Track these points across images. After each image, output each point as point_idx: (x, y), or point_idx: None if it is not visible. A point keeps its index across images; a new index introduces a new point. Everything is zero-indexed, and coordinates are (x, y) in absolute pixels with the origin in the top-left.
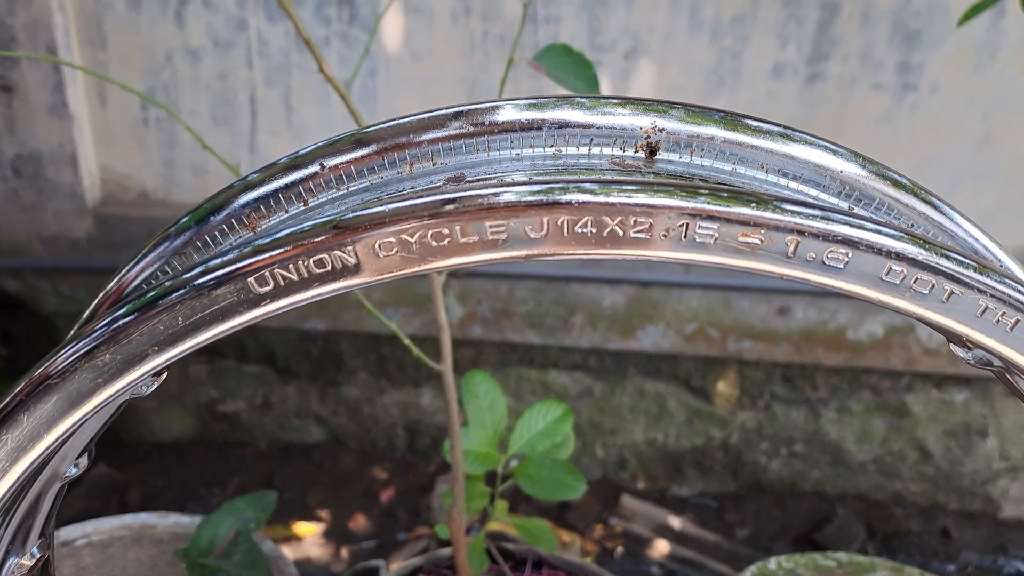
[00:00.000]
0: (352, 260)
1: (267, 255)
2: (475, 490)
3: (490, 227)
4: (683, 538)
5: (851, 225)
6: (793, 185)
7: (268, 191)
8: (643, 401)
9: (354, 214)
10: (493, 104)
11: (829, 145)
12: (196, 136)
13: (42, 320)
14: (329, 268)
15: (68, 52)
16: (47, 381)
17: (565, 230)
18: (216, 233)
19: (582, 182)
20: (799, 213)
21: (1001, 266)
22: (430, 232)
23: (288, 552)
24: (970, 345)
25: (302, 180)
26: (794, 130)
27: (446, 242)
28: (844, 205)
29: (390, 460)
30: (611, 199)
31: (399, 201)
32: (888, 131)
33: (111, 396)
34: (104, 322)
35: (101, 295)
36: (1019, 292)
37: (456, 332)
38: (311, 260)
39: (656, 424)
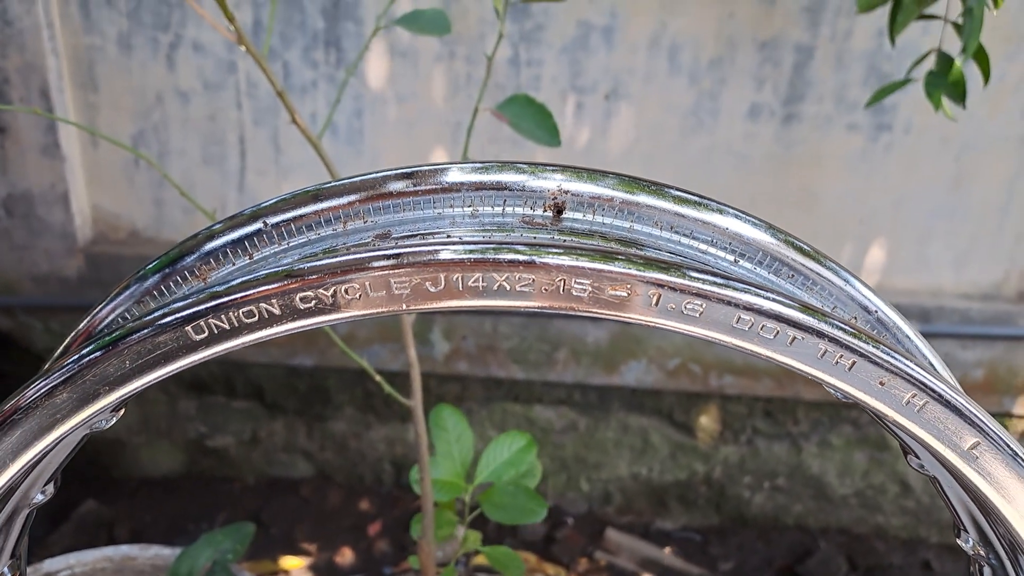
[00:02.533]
0: (276, 311)
1: (198, 308)
2: (443, 518)
3: (425, 280)
4: (667, 572)
5: (703, 281)
6: (685, 240)
7: (227, 241)
8: (627, 436)
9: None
10: (405, 171)
11: (741, 215)
12: (174, 184)
13: (32, 357)
14: (256, 318)
15: (60, 95)
16: (13, 416)
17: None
18: (181, 277)
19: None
20: (660, 269)
21: (877, 313)
22: (369, 282)
23: None
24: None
25: (255, 234)
26: (707, 198)
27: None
28: (731, 259)
29: (377, 495)
30: (485, 256)
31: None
32: (864, 170)
33: (68, 430)
34: (63, 365)
35: (73, 333)
36: (853, 336)
37: (442, 368)
38: (240, 311)
39: (640, 458)
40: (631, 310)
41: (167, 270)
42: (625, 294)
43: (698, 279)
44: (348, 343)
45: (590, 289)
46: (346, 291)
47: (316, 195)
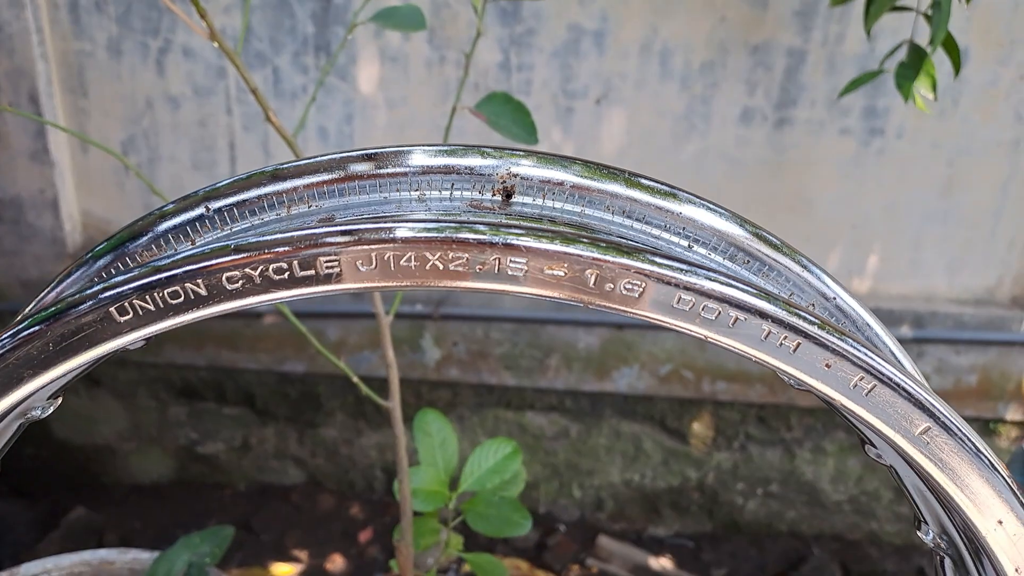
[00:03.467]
0: (202, 291)
1: (121, 289)
2: (426, 527)
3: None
4: None
5: (639, 260)
6: (637, 226)
7: (176, 223)
8: (619, 442)
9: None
10: (366, 152)
11: (709, 204)
12: (155, 191)
13: None
14: (183, 299)
15: (50, 100)
16: None
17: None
18: (130, 259)
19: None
20: (599, 249)
21: (836, 300)
22: (295, 262)
23: None
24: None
25: (198, 219)
26: (660, 183)
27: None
28: (685, 244)
29: (368, 501)
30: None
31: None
32: (856, 175)
33: (19, 401)
34: (4, 336)
35: (20, 316)
36: (796, 316)
37: (433, 374)
38: (165, 291)
39: (632, 465)
40: (567, 290)
41: (119, 250)
42: (562, 273)
43: (635, 258)
44: (338, 349)
45: (526, 268)
46: (277, 269)
47: (274, 175)
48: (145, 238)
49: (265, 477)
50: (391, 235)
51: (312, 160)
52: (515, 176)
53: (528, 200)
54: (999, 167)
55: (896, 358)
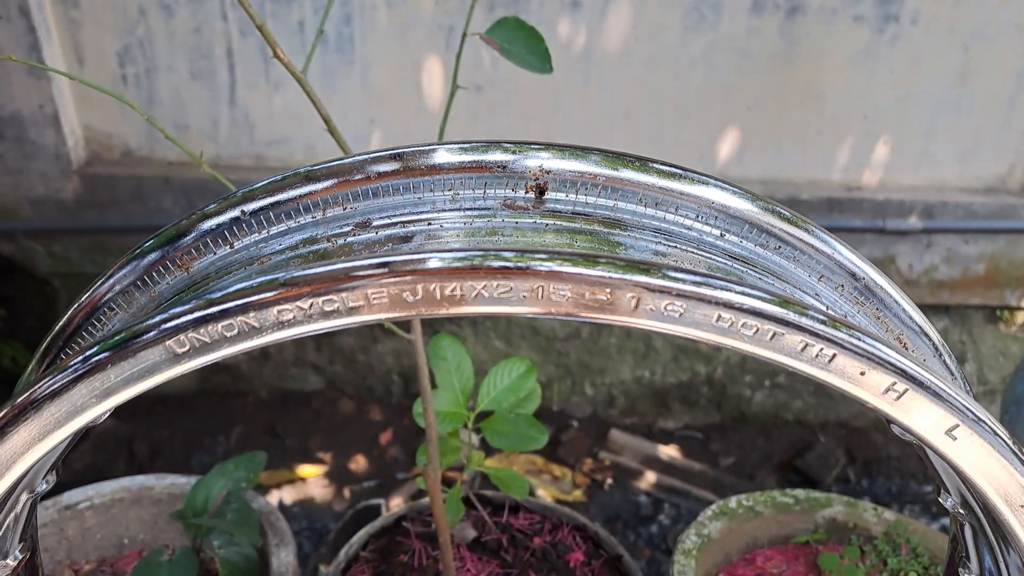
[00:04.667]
0: (255, 324)
1: (179, 321)
2: (447, 446)
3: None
4: (670, 468)
5: (682, 282)
6: (670, 217)
7: (218, 223)
8: (630, 341)
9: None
10: (393, 152)
11: (721, 184)
12: (161, 130)
13: (37, 281)
14: (236, 332)
15: (40, 12)
16: (25, 412)
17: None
18: (176, 257)
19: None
20: (640, 272)
21: (864, 279)
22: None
23: (292, 493)
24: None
25: (234, 222)
26: (687, 170)
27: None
28: (716, 233)
29: (387, 405)
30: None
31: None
32: (868, 66)
33: (83, 427)
34: (70, 362)
35: (76, 305)
36: (831, 327)
37: None
38: (220, 324)
39: (643, 362)
40: (613, 312)
41: (167, 248)
42: (606, 298)
43: (676, 280)
44: None
45: (570, 295)
46: (327, 302)
47: (307, 176)
48: (189, 237)
49: (286, 384)
50: (424, 267)
51: (342, 162)
52: (547, 173)
53: (561, 196)
54: (1015, 52)
55: (925, 334)
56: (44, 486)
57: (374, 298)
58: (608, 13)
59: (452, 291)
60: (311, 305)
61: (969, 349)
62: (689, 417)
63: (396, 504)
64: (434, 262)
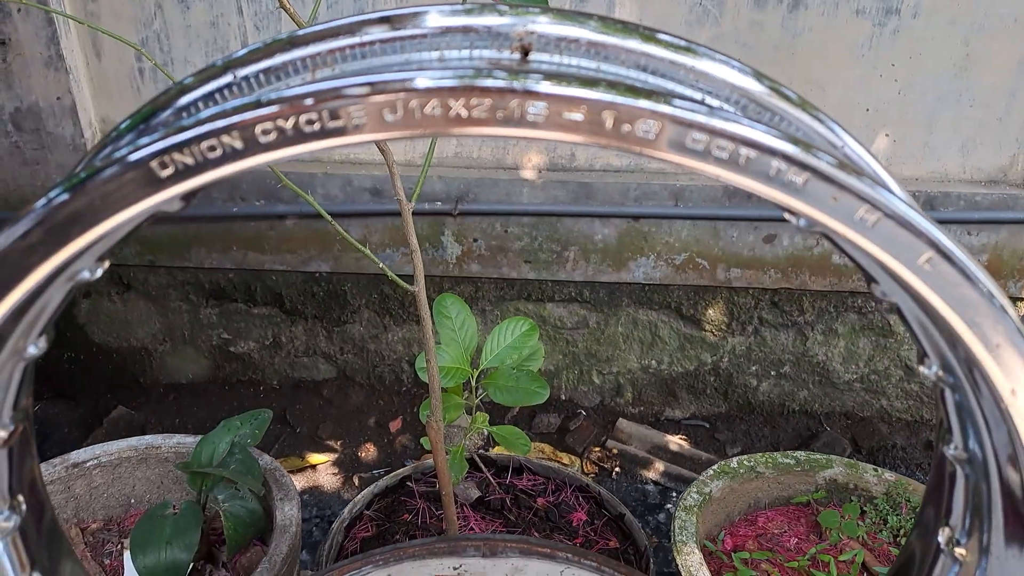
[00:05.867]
0: (238, 144)
1: (162, 144)
2: (450, 402)
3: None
4: (677, 457)
5: (654, 101)
6: (652, 80)
7: (200, 95)
8: (637, 330)
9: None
10: (382, 15)
11: (730, 61)
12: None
13: None
14: (220, 152)
15: (59, 4)
16: None
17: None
18: (155, 133)
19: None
20: (616, 92)
21: (843, 148)
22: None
23: (302, 481)
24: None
25: (226, 87)
26: (674, 36)
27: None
28: (697, 96)
29: (396, 393)
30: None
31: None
32: (871, 58)
33: (48, 274)
34: (33, 208)
35: (58, 183)
36: (804, 151)
37: (454, 270)
38: (203, 144)
39: (650, 351)
40: (585, 134)
41: (141, 127)
42: (580, 117)
43: (651, 100)
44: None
45: (546, 113)
46: (308, 120)
47: (290, 42)
48: (167, 112)
49: (297, 373)
50: (412, 85)
51: (329, 25)
52: (532, 34)
53: (545, 57)
54: (1015, 44)
55: (898, 196)
56: (34, 350)
57: (356, 114)
58: (615, 9)
59: (431, 109)
60: (293, 123)
61: None
62: (696, 406)
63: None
64: (422, 81)
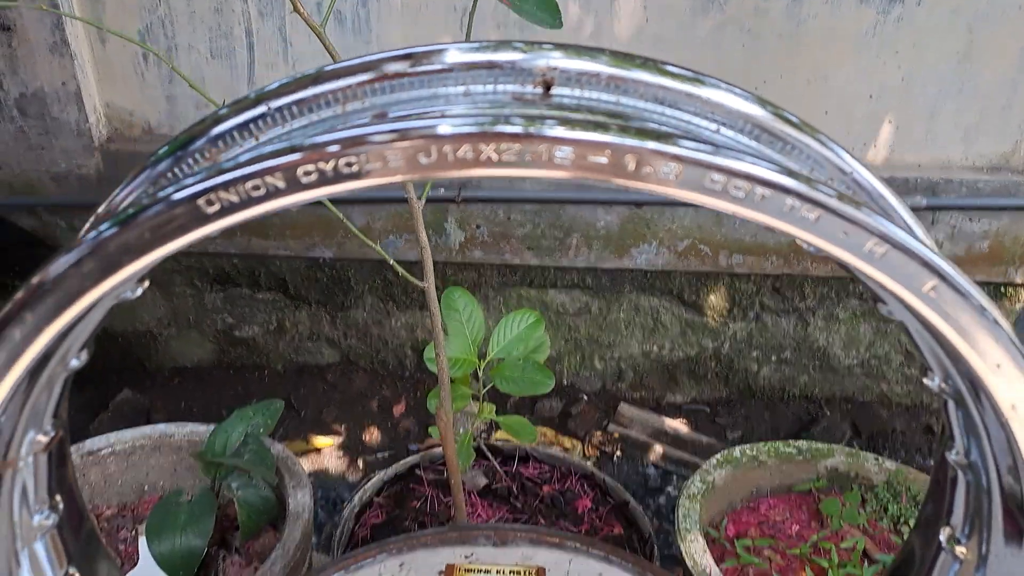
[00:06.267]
0: (281, 184)
1: (208, 183)
2: (458, 392)
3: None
4: (678, 441)
5: (674, 145)
6: (669, 112)
7: (234, 124)
8: (638, 316)
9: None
10: (404, 52)
11: (734, 89)
12: (181, 75)
13: None
14: (263, 191)
15: (67, 3)
16: (43, 286)
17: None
18: (192, 160)
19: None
20: (636, 136)
21: (852, 174)
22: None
23: (307, 464)
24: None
25: (260, 117)
26: (701, 74)
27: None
28: (713, 127)
29: (400, 378)
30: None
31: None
32: (874, 46)
33: (97, 299)
34: (86, 238)
35: (94, 217)
36: (815, 189)
37: (457, 256)
38: (248, 184)
39: (651, 337)
40: (609, 174)
41: (178, 154)
42: (604, 160)
43: (670, 143)
44: (364, 235)
45: (573, 157)
46: (347, 164)
47: (316, 78)
48: (202, 140)
49: (301, 357)
50: (434, 132)
51: (355, 62)
52: (554, 69)
53: (567, 91)
54: (1019, 34)
55: (907, 224)
56: (76, 363)
57: (392, 159)
58: (618, 1)
59: (465, 154)
60: (332, 166)
61: None
62: (697, 391)
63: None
64: (444, 127)
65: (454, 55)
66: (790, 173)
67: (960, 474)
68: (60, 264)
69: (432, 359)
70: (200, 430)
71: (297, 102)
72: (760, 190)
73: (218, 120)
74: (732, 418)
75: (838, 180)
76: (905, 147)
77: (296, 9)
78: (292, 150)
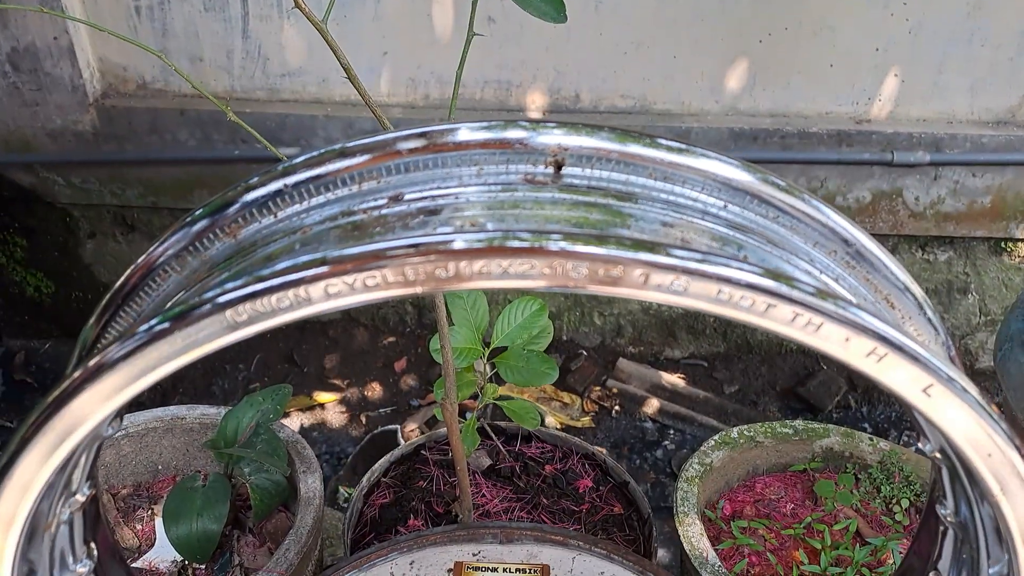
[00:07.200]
0: (304, 296)
1: (234, 295)
2: (463, 380)
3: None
4: (675, 396)
5: (684, 259)
6: (678, 190)
7: (263, 194)
8: None
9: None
10: (420, 131)
11: (722, 158)
12: (180, 73)
13: (57, 211)
14: (289, 303)
15: None
16: (100, 370)
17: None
18: (224, 226)
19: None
20: (647, 250)
21: (856, 245)
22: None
23: (311, 419)
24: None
25: (281, 192)
26: (689, 144)
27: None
28: (720, 204)
29: (401, 335)
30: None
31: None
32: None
33: (145, 387)
34: (138, 330)
35: (132, 268)
36: (819, 299)
37: None
38: (274, 296)
39: None
40: (625, 286)
41: (216, 216)
42: (619, 274)
43: (680, 258)
44: None
45: (586, 271)
46: (365, 281)
47: (342, 152)
48: (235, 207)
49: None
50: (450, 247)
51: (374, 139)
52: (565, 149)
53: (577, 170)
54: None
55: (910, 291)
56: (109, 431)
57: (411, 274)
58: None
59: (481, 268)
60: (355, 280)
61: (972, 281)
62: (695, 346)
63: (411, 430)
64: (459, 243)
65: (466, 134)
66: (792, 282)
67: (950, 528)
68: (112, 354)
69: (437, 350)
70: (211, 412)
71: (314, 179)
72: (764, 299)
73: (249, 188)
74: (729, 373)
75: (842, 251)
76: (911, 100)
77: (297, 5)
78: (313, 264)
